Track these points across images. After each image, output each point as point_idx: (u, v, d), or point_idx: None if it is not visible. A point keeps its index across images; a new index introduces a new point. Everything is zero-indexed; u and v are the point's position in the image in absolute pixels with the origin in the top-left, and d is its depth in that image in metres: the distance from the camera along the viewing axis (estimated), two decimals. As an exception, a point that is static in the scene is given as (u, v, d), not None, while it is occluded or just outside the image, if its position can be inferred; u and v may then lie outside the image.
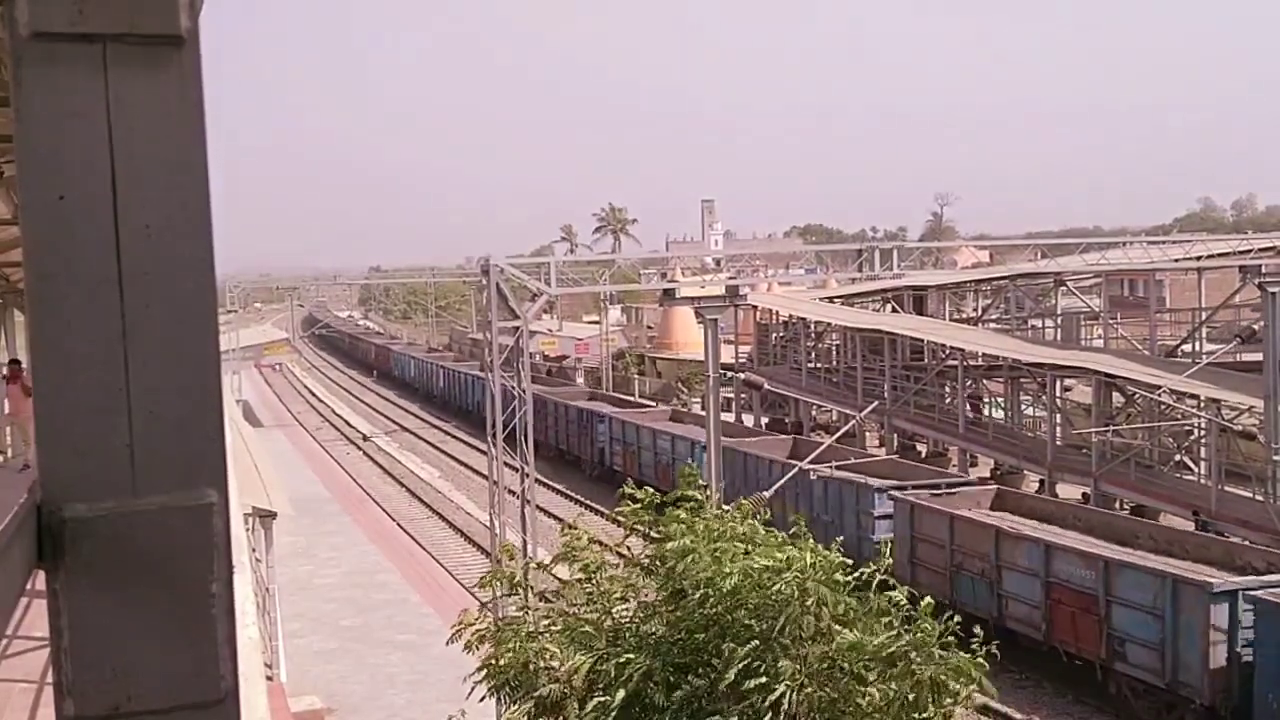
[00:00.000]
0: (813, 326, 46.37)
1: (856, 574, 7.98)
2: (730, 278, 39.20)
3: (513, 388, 24.04)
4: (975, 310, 49.47)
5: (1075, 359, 33.21)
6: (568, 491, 40.08)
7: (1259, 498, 27.29)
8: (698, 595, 7.88)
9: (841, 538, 9.14)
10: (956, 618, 7.87)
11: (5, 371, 17.23)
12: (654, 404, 50.61)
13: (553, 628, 8.70)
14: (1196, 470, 31.97)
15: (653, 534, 9.03)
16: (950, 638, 7.62)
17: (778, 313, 47.71)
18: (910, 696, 7.47)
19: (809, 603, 7.37)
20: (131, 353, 1.19)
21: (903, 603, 7.79)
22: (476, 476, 41.07)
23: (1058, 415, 33.70)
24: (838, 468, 27.84)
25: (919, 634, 7.47)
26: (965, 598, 22.66)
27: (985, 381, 39.86)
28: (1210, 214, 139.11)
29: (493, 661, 8.49)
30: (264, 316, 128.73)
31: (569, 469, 44.09)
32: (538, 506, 26.49)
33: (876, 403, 35.27)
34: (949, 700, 7.65)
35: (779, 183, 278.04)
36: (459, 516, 37.35)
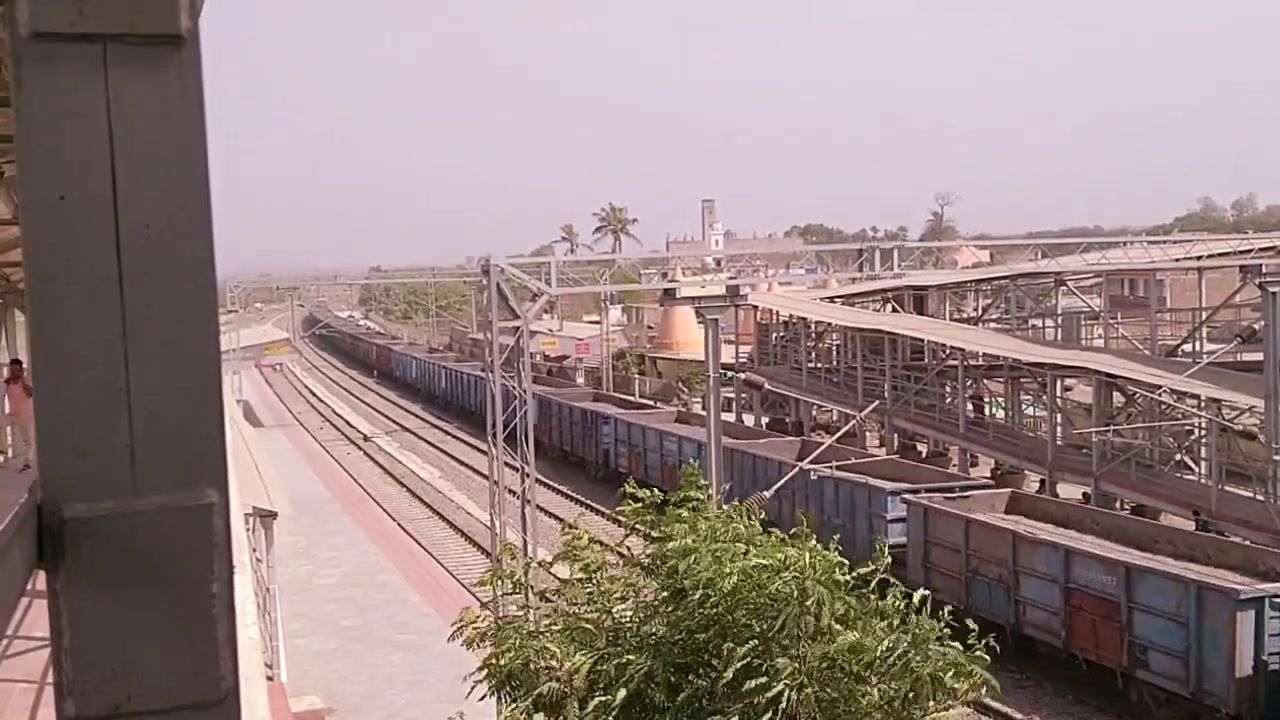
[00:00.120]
0: (813, 326, 46.36)
1: (855, 574, 7.97)
2: (730, 278, 39.22)
3: (513, 388, 24.03)
4: (975, 310, 49.51)
5: (1076, 359, 33.21)
6: (568, 491, 40.08)
7: (1259, 497, 27.29)
8: (698, 595, 7.88)
9: (834, 538, 9.04)
10: (947, 609, 7.85)
11: (6, 373, 17.23)
12: (657, 405, 50.56)
13: (553, 627, 8.71)
14: (1197, 470, 31.99)
15: (653, 534, 9.02)
16: (946, 630, 7.61)
17: (778, 313, 47.71)
18: (910, 694, 7.47)
19: (808, 602, 7.38)
20: (132, 353, 1.19)
21: (899, 602, 7.77)
22: (477, 476, 41.08)
23: (1058, 415, 33.70)
24: (838, 468, 27.80)
25: (918, 631, 7.47)
26: (981, 603, 22.39)
27: (985, 381, 39.86)
28: (1210, 214, 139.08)
29: (493, 661, 8.49)
30: (264, 316, 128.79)
31: (573, 470, 44.03)
32: (538, 506, 26.50)
33: (877, 403, 35.28)
34: (949, 700, 7.65)
35: (779, 183, 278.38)
36: (459, 516, 37.35)
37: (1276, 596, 18.03)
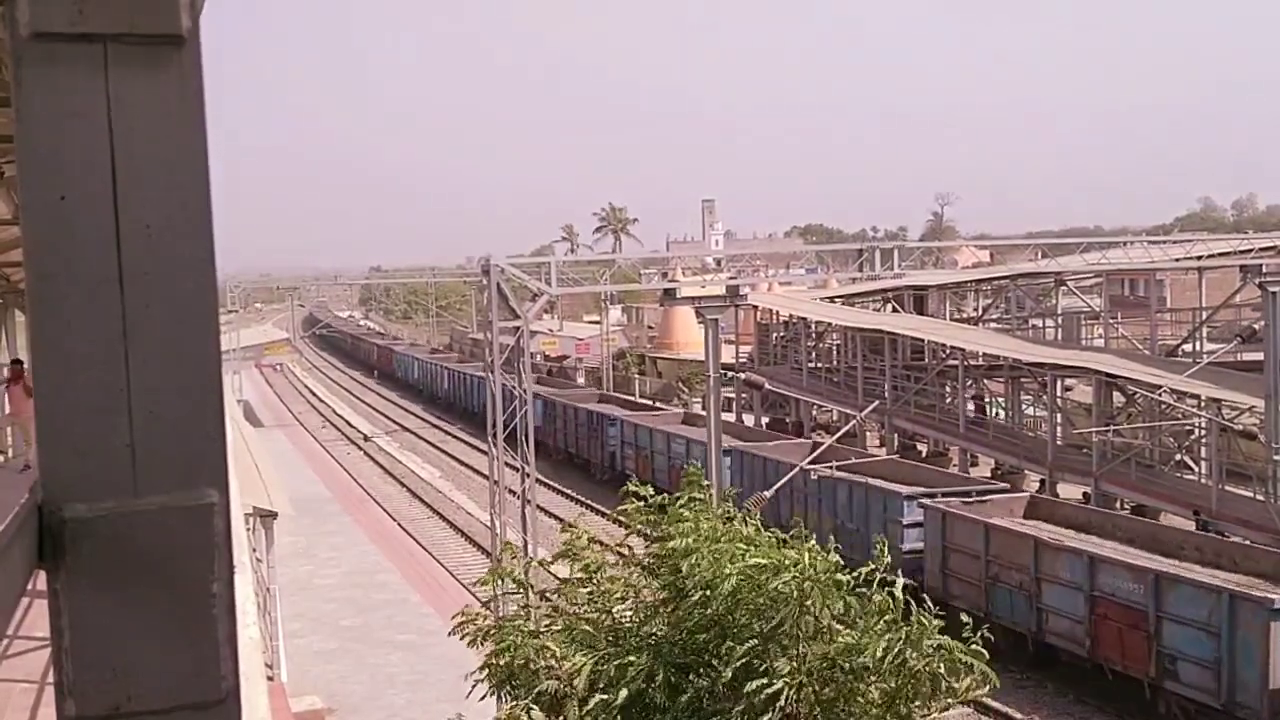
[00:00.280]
0: (813, 326, 46.37)
1: (856, 573, 7.96)
2: (731, 278, 39.23)
3: (514, 388, 24.04)
4: (976, 310, 49.54)
5: (1076, 359, 33.22)
6: (569, 492, 40.08)
7: (1259, 497, 27.29)
8: (698, 596, 7.88)
9: (834, 544, 8.96)
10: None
11: (7, 373, 17.23)
12: (664, 406, 50.38)
13: (553, 627, 8.71)
14: (1197, 470, 32.01)
15: (653, 534, 9.02)
16: (938, 624, 7.59)
17: (778, 313, 47.72)
18: (909, 693, 7.47)
19: (808, 603, 7.37)
20: (132, 353, 1.19)
21: (888, 601, 7.75)
22: (477, 476, 41.07)
23: (1058, 415, 33.71)
24: (838, 468, 27.75)
25: (915, 628, 7.46)
26: (1002, 611, 22.07)
27: (986, 381, 39.88)
28: (1210, 214, 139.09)
29: (494, 660, 8.49)
30: (264, 316, 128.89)
31: (576, 472, 43.92)
32: (539, 506, 26.50)
33: (877, 402, 35.26)
34: (948, 699, 7.64)
35: (779, 183, 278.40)
36: (459, 516, 37.36)
37: None
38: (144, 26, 1.16)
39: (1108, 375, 31.54)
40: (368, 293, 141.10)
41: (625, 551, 9.55)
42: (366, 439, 56.10)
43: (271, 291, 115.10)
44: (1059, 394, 34.19)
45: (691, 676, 7.85)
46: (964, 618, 7.74)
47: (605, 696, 7.71)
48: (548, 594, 9.63)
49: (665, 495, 9.28)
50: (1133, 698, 20.36)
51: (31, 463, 10.52)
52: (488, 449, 24.87)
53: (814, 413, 45.32)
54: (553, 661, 7.99)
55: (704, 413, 38.82)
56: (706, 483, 9.49)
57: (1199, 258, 37.46)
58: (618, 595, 8.82)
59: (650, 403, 52.59)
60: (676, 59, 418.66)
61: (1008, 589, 22.65)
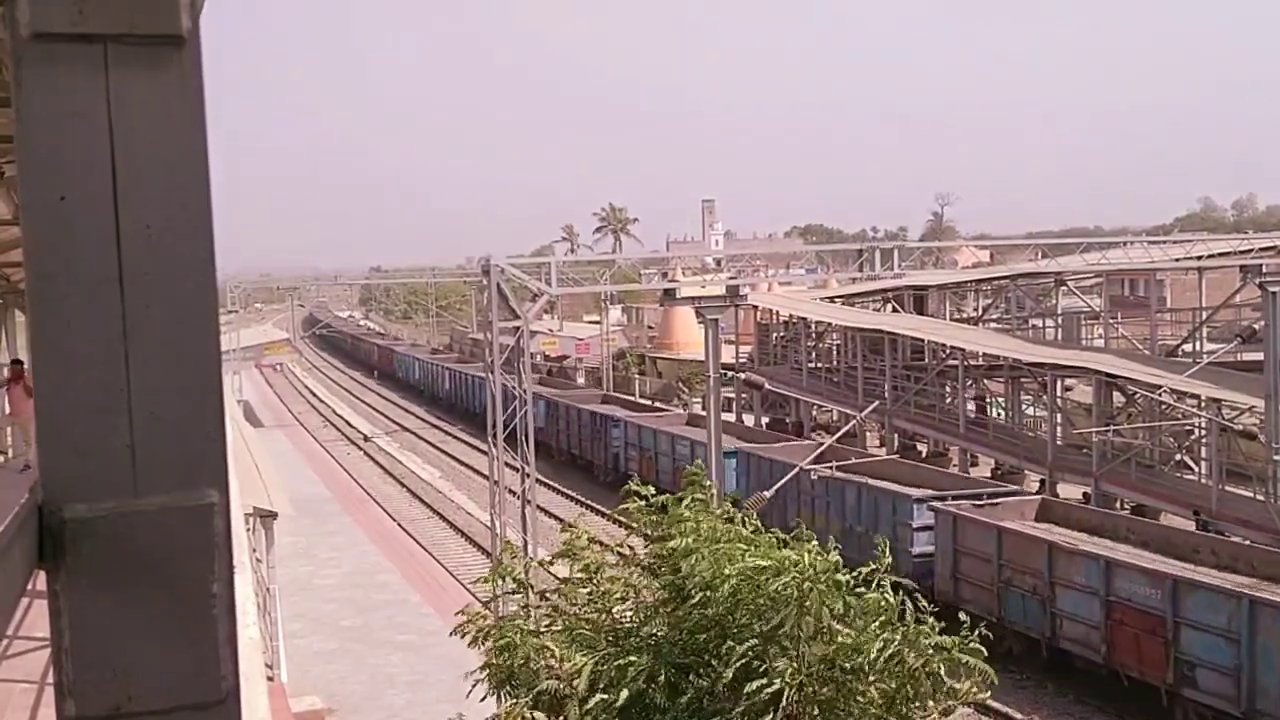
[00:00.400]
0: (813, 326, 46.39)
1: (857, 573, 7.96)
2: (731, 278, 39.23)
3: (514, 388, 24.04)
4: (976, 310, 49.56)
5: (1076, 359, 33.24)
6: (569, 492, 40.08)
7: (1260, 497, 27.31)
8: (698, 596, 7.88)
9: (835, 546, 8.96)
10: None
11: (7, 373, 17.23)
12: (667, 407, 50.31)
13: (553, 627, 8.71)
14: (1197, 470, 32.02)
15: (654, 534, 9.01)
16: (931, 620, 7.59)
17: (778, 313, 47.73)
18: (908, 692, 7.47)
19: (808, 603, 7.37)
20: (132, 353, 1.19)
21: (892, 599, 7.75)
22: (477, 477, 41.07)
23: (1058, 415, 33.72)
24: (838, 468, 27.75)
25: (913, 628, 7.46)
26: (1015, 616, 21.86)
27: (986, 381, 39.89)
28: (1210, 214, 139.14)
29: (494, 660, 8.49)
30: (264, 316, 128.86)
31: (577, 472, 43.88)
32: (539, 507, 26.51)
33: (877, 403, 35.30)
34: (949, 700, 7.64)
35: (779, 183, 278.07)
36: (459, 517, 37.37)
37: None
38: (144, 27, 1.16)
39: (1108, 375, 31.55)
40: (368, 293, 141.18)
41: (625, 552, 9.54)
42: (367, 439, 56.11)
43: (271, 291, 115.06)
44: (1059, 394, 34.20)
45: (692, 677, 7.84)
46: (962, 616, 7.71)
47: (605, 697, 7.70)
48: (548, 594, 9.62)
49: (666, 496, 9.27)
50: (1141, 703, 20.26)
51: (31, 463, 10.52)
52: (488, 449, 24.88)
53: (814, 413, 45.33)
54: (553, 661, 7.98)
55: (700, 412, 38.92)
56: (708, 483, 9.49)
57: (1199, 258, 37.47)
58: (618, 595, 8.82)
59: (653, 404, 52.55)
60: (676, 59, 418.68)
61: (1020, 593, 22.33)
